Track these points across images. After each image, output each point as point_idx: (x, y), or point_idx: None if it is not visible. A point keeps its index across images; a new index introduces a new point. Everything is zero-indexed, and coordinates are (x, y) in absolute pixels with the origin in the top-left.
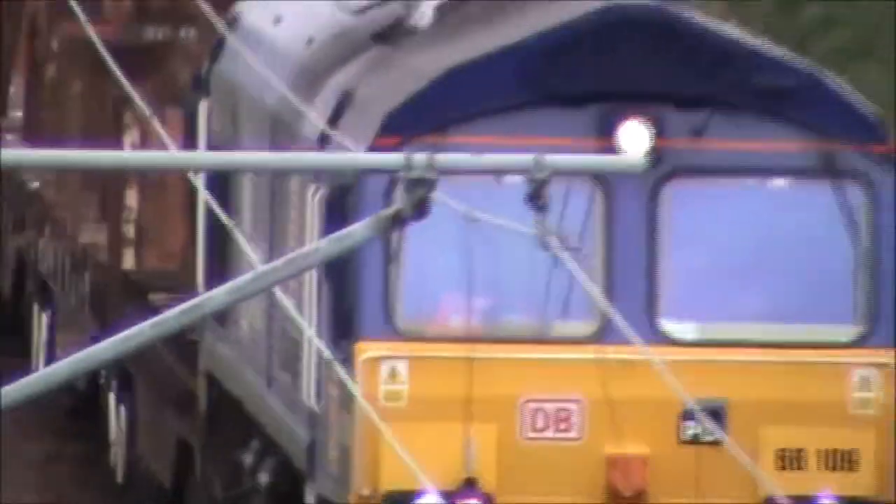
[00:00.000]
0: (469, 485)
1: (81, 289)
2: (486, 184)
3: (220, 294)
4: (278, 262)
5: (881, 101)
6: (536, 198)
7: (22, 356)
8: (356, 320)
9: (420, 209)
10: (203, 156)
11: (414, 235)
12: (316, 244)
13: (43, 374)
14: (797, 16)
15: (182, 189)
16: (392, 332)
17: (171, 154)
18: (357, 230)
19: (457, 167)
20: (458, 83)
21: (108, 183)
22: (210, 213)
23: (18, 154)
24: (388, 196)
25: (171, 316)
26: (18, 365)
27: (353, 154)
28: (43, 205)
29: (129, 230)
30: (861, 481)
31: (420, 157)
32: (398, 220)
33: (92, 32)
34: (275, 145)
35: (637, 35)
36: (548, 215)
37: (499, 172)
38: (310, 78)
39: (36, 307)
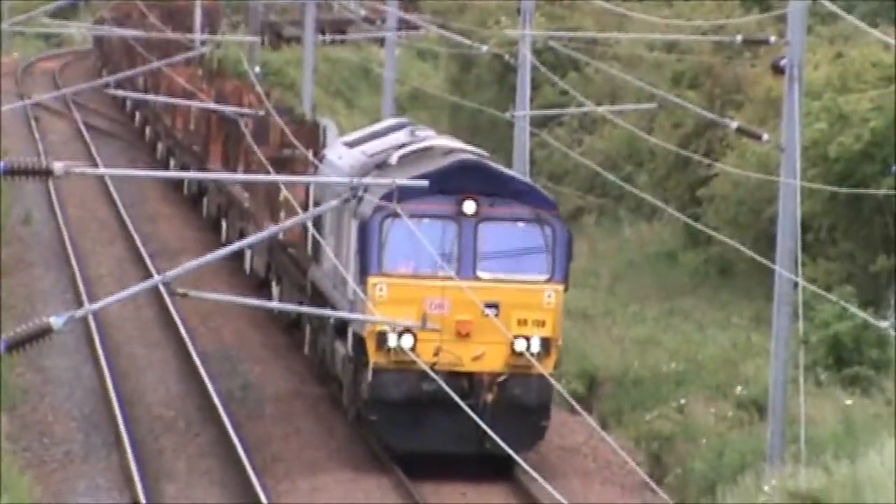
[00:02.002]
0: (408, 330)
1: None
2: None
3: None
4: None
5: None
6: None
7: None
8: (368, 267)
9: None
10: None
11: (391, 233)
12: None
13: None
14: None
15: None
16: (381, 272)
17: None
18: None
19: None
20: (407, 187)
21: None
22: (316, 207)
23: None
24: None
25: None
26: None
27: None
28: None
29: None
30: (548, 331)
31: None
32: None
33: None
34: (340, 209)
35: (472, 170)
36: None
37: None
38: (352, 178)
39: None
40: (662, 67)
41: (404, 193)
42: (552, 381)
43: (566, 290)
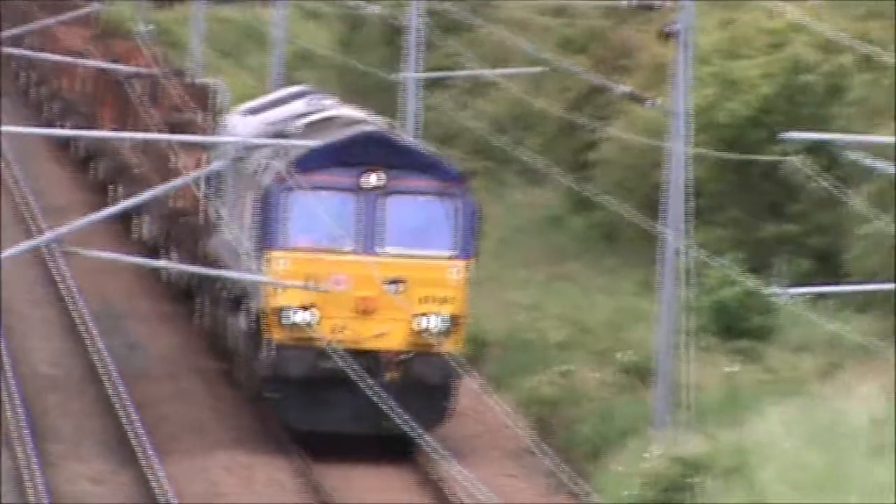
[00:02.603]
0: (308, 306)
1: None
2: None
3: None
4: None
5: None
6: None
7: None
8: (268, 240)
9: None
10: None
11: (292, 205)
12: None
13: None
14: None
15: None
16: (280, 246)
17: None
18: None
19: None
20: (307, 158)
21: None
22: (211, 183)
23: None
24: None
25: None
26: None
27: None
28: None
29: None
30: (452, 308)
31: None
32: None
33: None
34: (237, 177)
35: (375, 142)
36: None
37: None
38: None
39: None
40: (551, 31)
41: (306, 164)
42: (452, 360)
43: (472, 265)
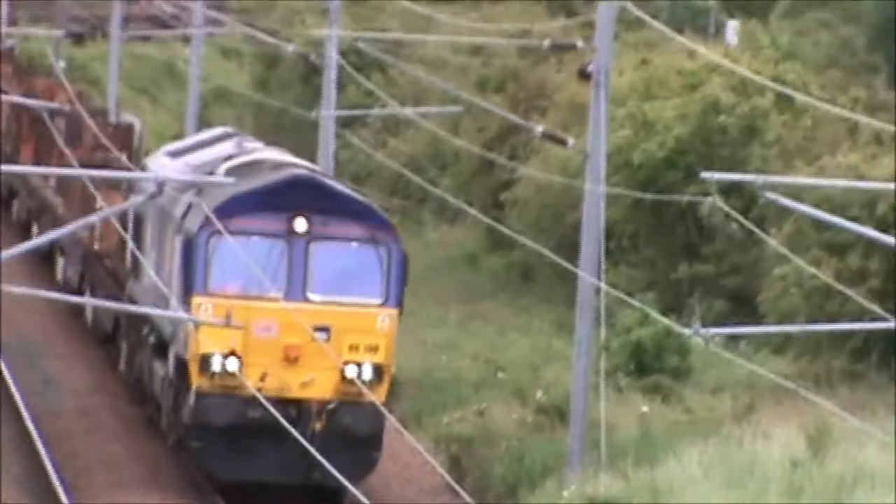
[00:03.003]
0: (233, 353)
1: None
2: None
3: None
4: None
5: None
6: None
7: None
8: (193, 286)
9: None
10: None
11: (218, 250)
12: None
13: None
14: None
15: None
16: (206, 292)
17: None
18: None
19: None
20: (233, 202)
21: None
22: (135, 223)
23: None
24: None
25: None
26: None
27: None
28: None
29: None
30: (381, 358)
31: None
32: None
33: None
34: (162, 221)
35: (304, 186)
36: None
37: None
38: (176, 191)
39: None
40: (468, 71)
41: (232, 208)
42: (379, 410)
43: (401, 314)
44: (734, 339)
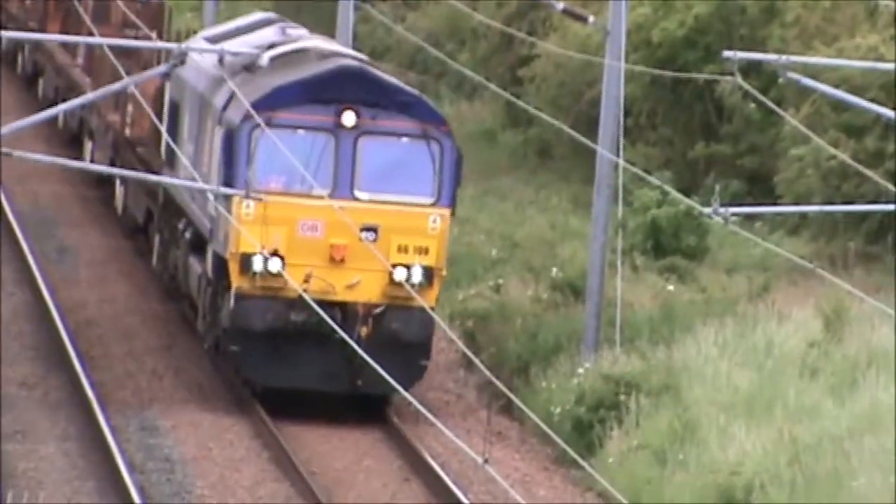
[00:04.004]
0: (275, 253)
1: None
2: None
3: None
4: None
5: None
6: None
7: None
8: (234, 181)
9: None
10: None
11: (261, 144)
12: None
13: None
14: None
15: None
16: (251, 188)
17: None
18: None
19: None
20: (277, 93)
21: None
22: (171, 111)
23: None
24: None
25: None
26: None
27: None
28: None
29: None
30: (431, 260)
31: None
32: None
33: None
34: (201, 111)
35: (352, 78)
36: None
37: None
38: (217, 81)
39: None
40: None
41: (276, 101)
42: (433, 315)
43: (453, 214)
44: (749, 219)
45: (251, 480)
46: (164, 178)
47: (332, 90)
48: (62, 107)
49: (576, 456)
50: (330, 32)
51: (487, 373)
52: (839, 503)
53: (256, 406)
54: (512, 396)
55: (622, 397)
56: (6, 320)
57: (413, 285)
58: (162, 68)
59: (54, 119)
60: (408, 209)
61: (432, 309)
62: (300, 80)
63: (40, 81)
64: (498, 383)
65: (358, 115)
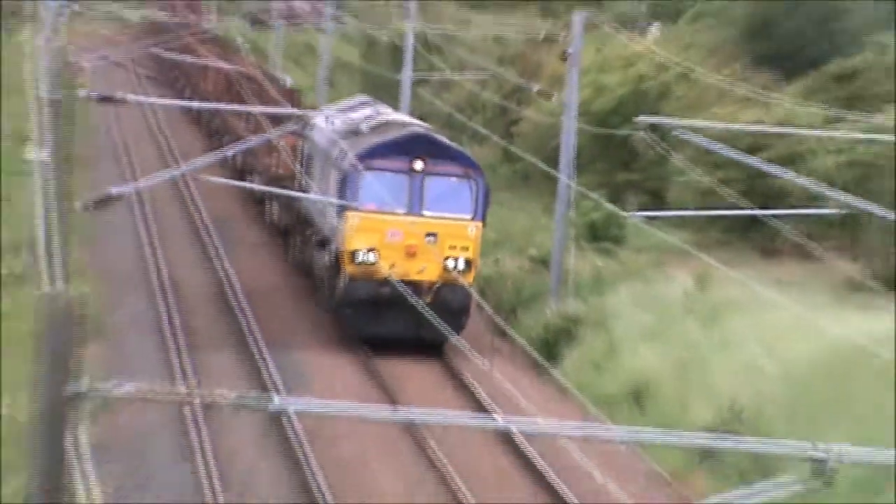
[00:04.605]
0: (372, 249)
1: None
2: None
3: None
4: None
5: None
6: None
7: None
8: (345, 205)
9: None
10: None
11: (362, 182)
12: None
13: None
14: None
15: (295, 149)
16: (356, 209)
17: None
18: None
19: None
20: (374, 149)
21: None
22: (305, 159)
23: None
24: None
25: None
26: None
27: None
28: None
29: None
30: (469, 254)
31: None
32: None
33: None
34: (325, 159)
35: (420, 139)
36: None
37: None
38: (335, 141)
39: (249, 174)
40: (492, 51)
41: (372, 152)
42: (470, 290)
43: (483, 226)
44: (650, 220)
45: (354, 385)
46: (311, 196)
47: (408, 147)
48: (230, 150)
49: (545, 364)
50: (394, 104)
51: (491, 313)
52: (704, 392)
53: (360, 347)
54: (506, 327)
55: (573, 328)
56: (202, 277)
57: (458, 271)
58: (293, 127)
59: (231, 160)
60: (455, 222)
61: (469, 285)
62: (388, 141)
63: (220, 137)
64: (498, 319)
65: (424, 163)
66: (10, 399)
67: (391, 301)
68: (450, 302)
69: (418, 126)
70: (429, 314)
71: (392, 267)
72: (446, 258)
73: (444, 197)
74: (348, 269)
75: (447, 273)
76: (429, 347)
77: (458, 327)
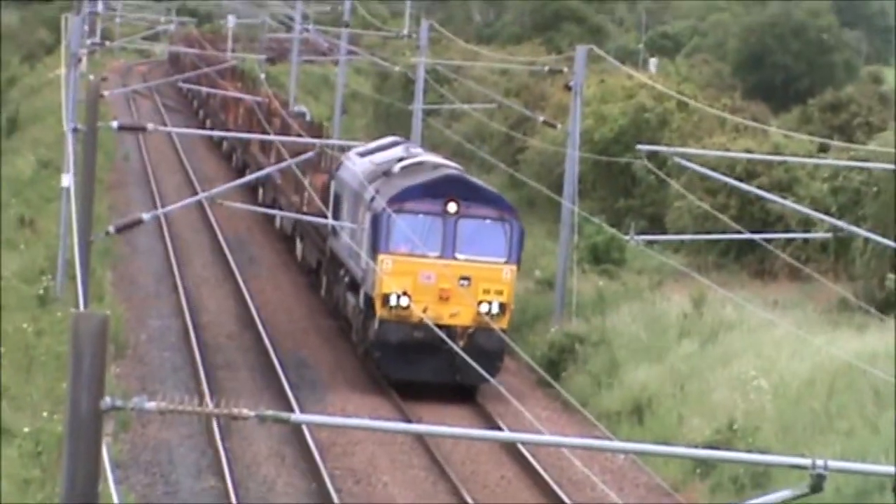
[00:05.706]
0: (405, 293)
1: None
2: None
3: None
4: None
5: None
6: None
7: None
8: (378, 247)
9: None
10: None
11: (395, 224)
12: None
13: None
14: None
15: (324, 189)
16: (388, 251)
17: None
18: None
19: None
20: (406, 191)
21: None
22: (335, 199)
23: None
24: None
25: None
26: None
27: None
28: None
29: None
30: (504, 298)
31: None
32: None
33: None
34: (356, 201)
35: (453, 181)
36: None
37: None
38: (365, 181)
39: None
40: (499, 83)
41: (404, 194)
42: (504, 336)
43: (518, 269)
44: (650, 243)
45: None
46: (342, 238)
47: (440, 189)
48: (252, 176)
49: (550, 379)
50: (406, 133)
51: (500, 332)
52: (701, 408)
53: (391, 391)
54: (513, 345)
55: (576, 346)
56: (223, 300)
57: (492, 315)
58: (310, 154)
59: (257, 196)
60: (489, 265)
61: (503, 331)
62: (420, 182)
63: (246, 170)
64: (506, 338)
65: (458, 205)
66: (31, 415)
67: (424, 345)
68: (484, 346)
69: (452, 167)
70: (466, 357)
71: (425, 311)
72: (480, 302)
73: (477, 240)
74: (381, 313)
75: (481, 317)
76: (461, 391)
77: (493, 371)
